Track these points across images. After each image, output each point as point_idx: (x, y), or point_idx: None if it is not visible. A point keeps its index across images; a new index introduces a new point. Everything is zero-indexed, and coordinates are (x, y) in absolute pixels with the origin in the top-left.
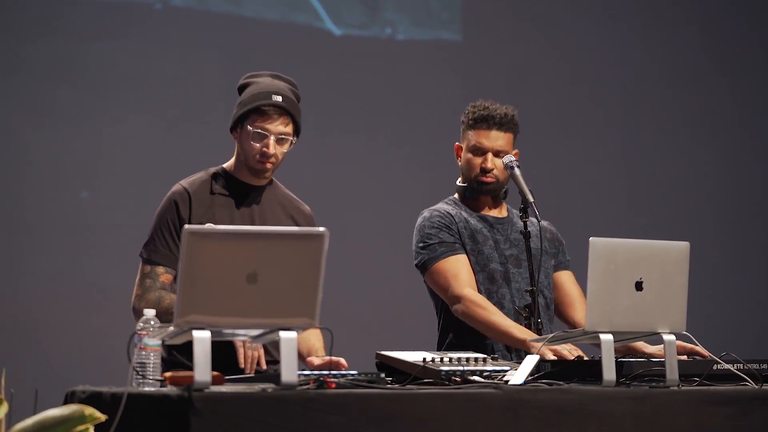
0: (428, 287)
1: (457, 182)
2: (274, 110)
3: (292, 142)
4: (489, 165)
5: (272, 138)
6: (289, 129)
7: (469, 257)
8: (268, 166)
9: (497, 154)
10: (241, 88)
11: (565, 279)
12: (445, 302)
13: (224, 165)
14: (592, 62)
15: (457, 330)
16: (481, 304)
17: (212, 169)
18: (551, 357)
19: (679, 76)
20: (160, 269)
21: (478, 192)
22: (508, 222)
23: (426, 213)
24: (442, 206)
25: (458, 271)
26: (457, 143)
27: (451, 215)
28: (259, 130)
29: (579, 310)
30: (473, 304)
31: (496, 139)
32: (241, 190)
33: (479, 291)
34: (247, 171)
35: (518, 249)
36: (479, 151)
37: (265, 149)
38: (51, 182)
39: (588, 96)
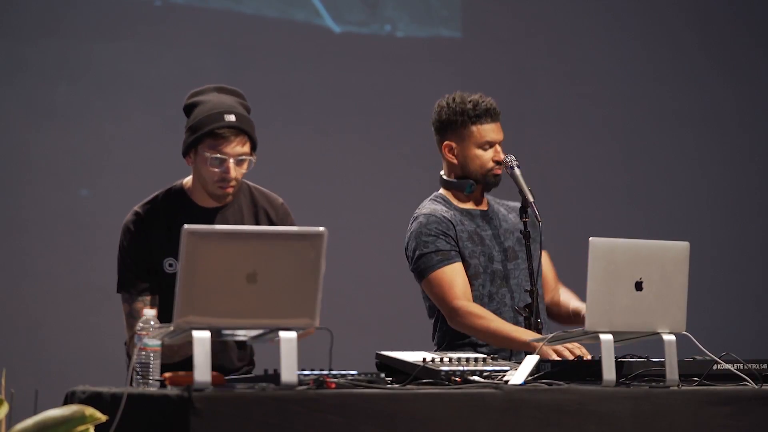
0: (422, 292)
1: (446, 178)
2: (229, 131)
3: (251, 162)
4: (502, 156)
5: (231, 161)
6: (247, 148)
7: (470, 261)
8: (229, 190)
9: (500, 144)
10: (188, 109)
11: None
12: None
13: (184, 182)
14: (592, 61)
15: (454, 334)
16: (478, 314)
17: (170, 188)
18: (554, 357)
19: (679, 76)
20: (138, 305)
21: (486, 186)
22: (493, 213)
23: (422, 219)
24: (435, 207)
25: (453, 281)
26: (447, 142)
27: (447, 219)
28: (217, 155)
29: (548, 290)
30: (470, 314)
31: (499, 131)
32: (198, 216)
33: (482, 295)
34: (206, 195)
35: (510, 241)
36: (489, 144)
37: (225, 174)
38: (50, 180)
39: (588, 95)
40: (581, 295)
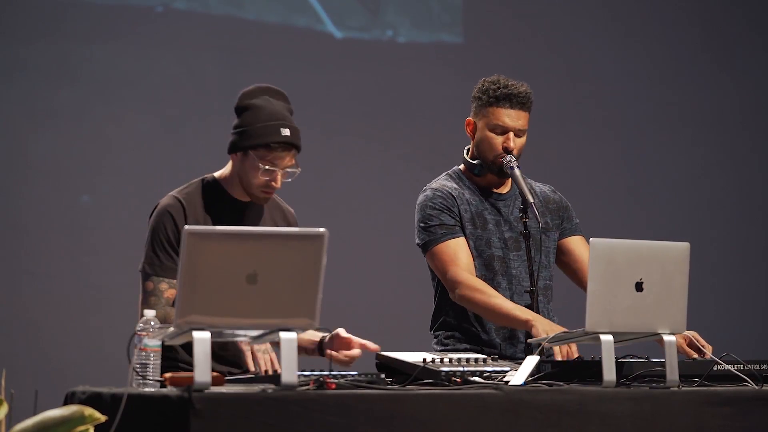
0: (428, 266)
1: (466, 155)
2: (283, 147)
3: (295, 173)
4: (512, 144)
5: (280, 173)
6: (294, 160)
7: (468, 242)
8: (270, 195)
9: (518, 133)
10: (239, 110)
11: (576, 244)
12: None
13: (216, 175)
14: (592, 63)
15: (452, 310)
16: (479, 288)
17: (204, 179)
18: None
19: (679, 76)
20: (164, 285)
21: (493, 171)
22: (510, 197)
23: (428, 192)
24: (444, 183)
25: (456, 254)
26: (469, 118)
27: (453, 196)
28: (268, 167)
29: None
30: (471, 289)
31: (518, 118)
32: (234, 208)
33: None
34: (241, 190)
35: (517, 231)
36: (502, 130)
37: (273, 183)
38: (50, 182)
39: (588, 96)
40: (581, 296)
